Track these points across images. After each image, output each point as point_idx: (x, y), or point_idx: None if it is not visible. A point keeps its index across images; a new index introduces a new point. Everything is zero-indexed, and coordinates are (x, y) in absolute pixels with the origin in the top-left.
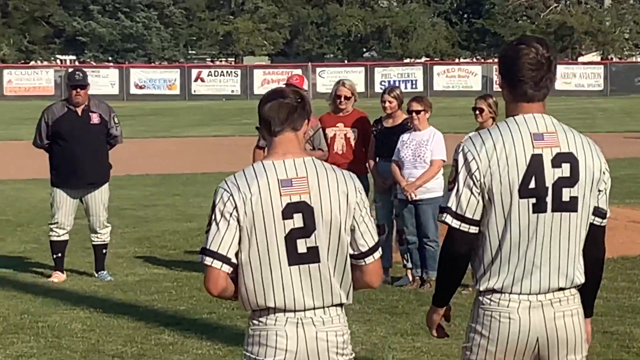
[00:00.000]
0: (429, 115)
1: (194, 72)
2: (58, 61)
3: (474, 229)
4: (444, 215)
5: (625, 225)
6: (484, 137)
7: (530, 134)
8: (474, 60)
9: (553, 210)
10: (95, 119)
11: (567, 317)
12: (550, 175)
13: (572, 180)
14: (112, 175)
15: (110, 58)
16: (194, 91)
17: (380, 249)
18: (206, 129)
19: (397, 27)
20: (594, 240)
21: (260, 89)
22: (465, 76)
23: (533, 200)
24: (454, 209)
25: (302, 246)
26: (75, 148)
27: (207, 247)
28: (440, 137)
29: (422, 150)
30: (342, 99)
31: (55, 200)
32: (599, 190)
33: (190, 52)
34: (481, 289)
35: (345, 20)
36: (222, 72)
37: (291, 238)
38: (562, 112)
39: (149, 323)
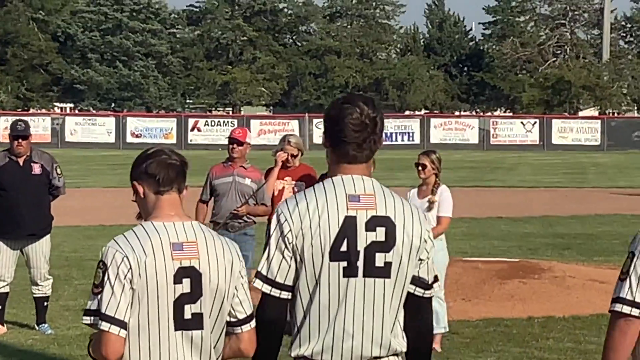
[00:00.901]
0: (373, 169)
1: (191, 121)
2: (56, 109)
3: (285, 294)
4: (255, 280)
5: (584, 284)
6: (298, 198)
7: (346, 195)
8: (474, 113)
9: (364, 276)
10: (36, 169)
11: None
12: (363, 238)
13: (386, 245)
14: (85, 225)
15: (108, 106)
16: (191, 140)
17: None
18: (199, 178)
19: (395, 80)
20: (416, 311)
21: (257, 139)
22: (462, 129)
23: (344, 263)
24: (264, 273)
25: (188, 312)
26: (16, 198)
27: (103, 311)
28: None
29: None
30: (289, 157)
31: None
32: (420, 260)
33: (187, 101)
34: (292, 355)
35: (343, 71)
36: (218, 122)
37: (179, 303)
38: (555, 166)
39: None
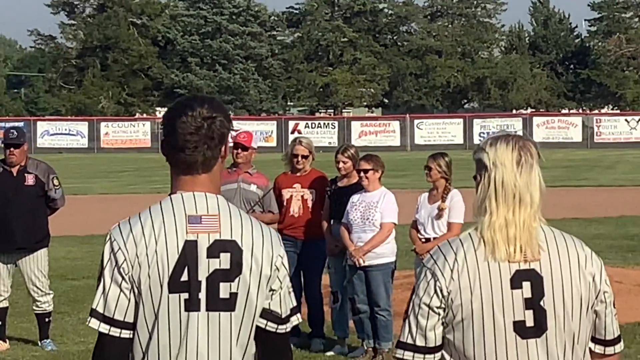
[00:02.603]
0: (380, 174)
1: (291, 123)
2: (157, 113)
3: (126, 333)
4: (90, 319)
5: (630, 290)
6: (133, 222)
7: (186, 216)
8: (580, 111)
9: (207, 309)
10: (30, 180)
11: None
12: (205, 266)
13: (232, 273)
14: None
15: None
16: None
17: None
18: None
19: (497, 78)
20: (270, 350)
21: (358, 141)
22: (565, 127)
23: (185, 295)
24: (100, 310)
25: None
26: (7, 210)
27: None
28: (391, 199)
29: (372, 212)
30: (299, 158)
31: None
32: (272, 290)
33: (288, 103)
34: None
35: (445, 71)
36: (319, 124)
37: None
38: None
39: None
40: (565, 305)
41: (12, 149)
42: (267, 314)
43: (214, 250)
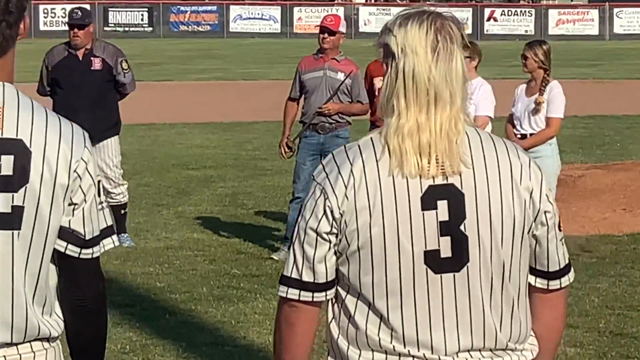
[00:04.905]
0: (477, 63)
1: (487, 10)
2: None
3: None
4: None
5: None
6: None
7: None
8: None
9: None
10: (97, 64)
11: None
12: None
13: (15, 181)
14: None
15: None
16: (487, 31)
17: None
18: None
19: None
20: (72, 280)
21: (555, 29)
22: None
23: None
24: None
25: None
26: (73, 97)
27: None
28: (487, 90)
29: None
30: None
31: None
32: (73, 204)
33: None
34: None
35: None
36: (515, 11)
37: None
38: None
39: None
40: (493, 229)
41: (76, 30)
42: (66, 234)
43: None
